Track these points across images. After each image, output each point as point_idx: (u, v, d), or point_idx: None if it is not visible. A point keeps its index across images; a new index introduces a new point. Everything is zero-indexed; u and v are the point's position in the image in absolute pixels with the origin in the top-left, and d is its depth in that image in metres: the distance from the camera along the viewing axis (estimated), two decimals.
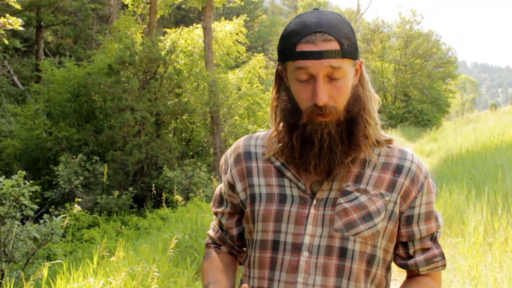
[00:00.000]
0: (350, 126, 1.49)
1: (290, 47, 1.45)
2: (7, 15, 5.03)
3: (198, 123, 18.08)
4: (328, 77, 1.43)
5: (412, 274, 1.67)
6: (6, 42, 6.02)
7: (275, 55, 44.86)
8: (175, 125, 17.15)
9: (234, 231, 1.75)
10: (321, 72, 1.42)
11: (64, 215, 8.88)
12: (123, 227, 11.47)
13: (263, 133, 1.73)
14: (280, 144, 1.57)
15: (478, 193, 5.87)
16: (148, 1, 18.37)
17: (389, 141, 1.61)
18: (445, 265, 1.68)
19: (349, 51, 1.45)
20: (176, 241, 4.20)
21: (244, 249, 1.78)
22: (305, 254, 1.50)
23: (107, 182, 13.69)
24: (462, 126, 21.82)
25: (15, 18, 5.22)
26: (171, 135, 16.52)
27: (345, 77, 1.45)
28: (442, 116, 37.67)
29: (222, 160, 1.78)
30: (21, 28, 5.36)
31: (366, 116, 1.52)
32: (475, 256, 4.38)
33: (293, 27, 1.46)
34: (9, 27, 5.26)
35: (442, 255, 1.65)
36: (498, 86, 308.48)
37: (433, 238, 1.64)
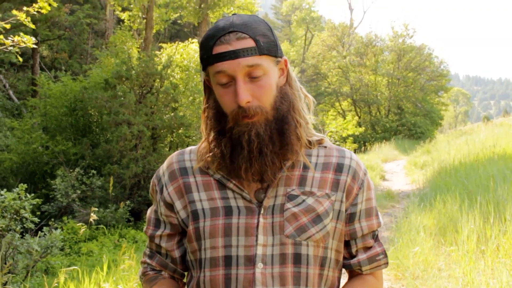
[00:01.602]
0: (281, 126, 1.45)
1: (207, 51, 1.42)
2: (21, 33, 5.17)
3: (194, 137, 18.22)
4: (248, 76, 1.41)
5: (354, 274, 1.65)
6: (20, 59, 6.16)
7: None
8: (171, 139, 17.28)
9: (176, 253, 1.64)
10: (239, 72, 1.39)
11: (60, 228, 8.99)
12: (121, 240, 11.56)
13: (194, 147, 1.66)
14: (211, 154, 1.51)
15: (470, 203, 6.03)
16: (144, 16, 18.57)
17: (320, 141, 1.59)
18: (387, 263, 1.65)
19: (267, 48, 1.42)
20: None
21: (186, 272, 1.68)
22: (259, 265, 1.44)
23: (103, 195, 13.81)
24: (455, 138, 22.02)
25: (29, 36, 5.37)
26: (167, 149, 16.65)
27: (267, 75, 1.42)
28: (435, 128, 37.83)
29: (154, 180, 1.67)
30: (34, 46, 5.50)
31: (296, 115, 1.48)
32: (469, 263, 4.53)
33: (209, 32, 1.45)
34: (23, 45, 5.40)
35: (384, 253, 1.63)
36: (490, 99, 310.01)
37: (375, 236, 1.62)
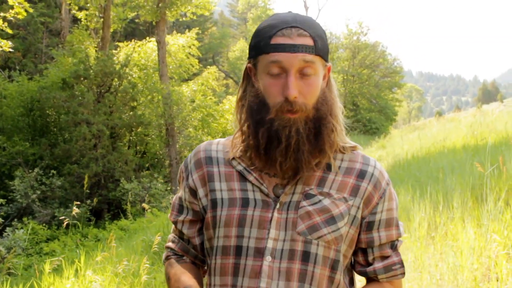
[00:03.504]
0: (319, 126, 1.47)
1: (265, 39, 1.44)
2: None
3: (153, 135, 18.30)
4: (300, 73, 1.43)
5: (371, 281, 1.63)
6: None
7: (226, 67, 45.23)
8: (130, 138, 17.32)
9: (197, 240, 1.68)
10: (294, 66, 1.41)
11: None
12: (82, 239, 11.59)
13: (224, 139, 1.70)
14: (244, 143, 1.54)
15: (421, 193, 6.41)
16: (101, 15, 18.50)
17: (354, 148, 1.60)
18: (404, 273, 1.63)
19: (322, 50, 1.46)
20: (160, 237, 4.53)
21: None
22: (268, 258, 1.47)
23: (63, 195, 13.79)
24: (409, 133, 22.63)
25: (5, 41, 5.46)
26: (127, 148, 16.68)
27: (316, 75, 1.45)
28: (390, 124, 38.54)
29: (182, 167, 1.71)
30: (11, 50, 5.59)
31: (333, 120, 1.51)
32: (420, 248, 4.88)
33: (269, 22, 1.47)
34: None
35: (401, 263, 1.61)
36: (442, 94, 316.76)
37: (394, 246, 1.60)
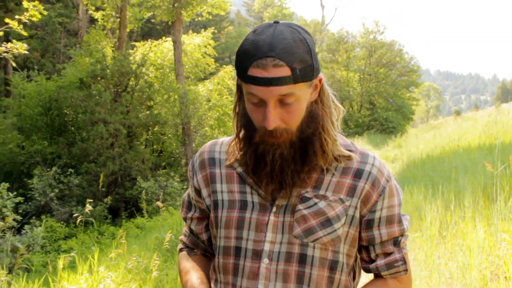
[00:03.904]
0: (305, 146, 1.48)
1: (243, 69, 1.41)
2: (14, 40, 5.39)
3: (169, 134, 18.41)
4: (280, 102, 1.41)
5: (377, 277, 1.64)
6: (14, 64, 6.38)
7: None
8: (147, 137, 17.46)
9: (204, 236, 1.74)
10: (271, 99, 1.39)
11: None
12: (100, 237, 11.73)
13: (228, 138, 1.71)
14: (241, 153, 1.56)
15: (434, 192, 6.43)
16: (118, 15, 18.66)
17: (348, 157, 1.56)
18: (406, 270, 1.62)
19: (302, 75, 1.39)
20: (171, 235, 4.62)
21: None
22: (265, 261, 1.50)
23: (81, 193, 13.95)
24: (425, 132, 22.54)
25: (20, 43, 5.59)
26: (143, 147, 16.81)
27: (298, 101, 1.42)
28: (407, 123, 38.32)
29: (190, 165, 1.76)
30: (26, 52, 5.72)
31: (324, 134, 1.50)
32: (430, 247, 4.91)
33: (247, 46, 1.41)
34: (15, 51, 5.63)
35: (403, 260, 1.60)
36: (461, 93, 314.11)
37: (397, 242, 1.59)
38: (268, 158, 1.46)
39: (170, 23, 18.88)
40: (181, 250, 1.84)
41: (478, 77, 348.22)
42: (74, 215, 5.98)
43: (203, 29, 24.94)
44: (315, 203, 1.51)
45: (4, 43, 5.95)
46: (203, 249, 1.78)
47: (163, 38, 21.53)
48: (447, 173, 7.63)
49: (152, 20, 25.29)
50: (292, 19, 48.52)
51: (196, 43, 21.76)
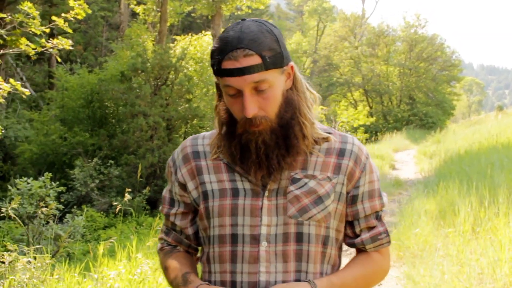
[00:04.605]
0: (285, 131, 1.56)
1: (217, 64, 1.51)
2: (60, 36, 5.64)
3: (207, 128, 18.57)
4: (255, 89, 1.49)
5: (361, 251, 1.73)
6: (59, 59, 6.62)
7: None
8: (186, 130, 17.64)
9: (190, 231, 1.76)
10: (246, 87, 1.48)
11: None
12: (138, 227, 11.95)
13: (208, 133, 1.77)
14: (223, 149, 1.63)
15: (468, 188, 6.42)
16: (158, 9, 18.91)
17: (327, 139, 1.66)
18: (389, 241, 1.73)
19: (273, 62, 1.49)
20: None
21: (200, 248, 1.80)
22: (264, 244, 1.55)
23: (121, 184, 14.21)
24: (465, 128, 22.27)
25: (66, 39, 5.81)
26: (182, 139, 16.98)
27: (273, 87, 1.51)
28: (447, 118, 37.80)
29: (169, 162, 1.78)
30: (71, 48, 5.94)
31: (301, 118, 1.58)
32: (463, 243, 4.93)
33: (218, 44, 1.52)
34: (61, 47, 5.86)
35: (386, 232, 1.71)
36: (505, 88, 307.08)
37: (378, 216, 1.70)
38: (252, 146, 1.54)
39: (210, 17, 19.10)
40: (162, 248, 1.83)
41: None
42: (114, 204, 6.16)
43: None
44: (306, 183, 1.59)
45: (50, 38, 6.18)
46: (186, 245, 1.79)
47: (203, 32, 21.69)
48: (483, 169, 7.59)
49: (192, 14, 25.51)
50: (332, 12, 48.19)
51: None
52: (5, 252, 4.63)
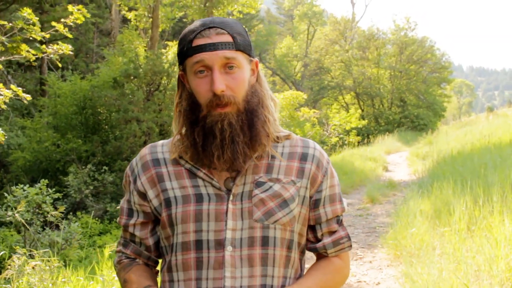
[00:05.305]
0: (251, 118, 1.55)
1: (187, 44, 1.53)
2: (59, 42, 5.68)
3: None
4: (224, 68, 1.51)
5: (321, 257, 1.73)
6: (60, 65, 6.65)
7: (273, 64, 45.39)
8: None
9: (150, 241, 1.71)
10: (216, 63, 1.50)
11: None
12: None
13: (166, 140, 1.74)
14: (184, 145, 1.60)
15: (463, 188, 6.51)
16: (150, 15, 18.96)
17: (288, 136, 1.68)
18: (351, 246, 1.73)
19: (242, 45, 1.54)
20: None
21: (160, 260, 1.76)
22: (229, 248, 1.53)
23: (115, 190, 14.23)
24: (456, 129, 22.42)
25: (66, 44, 5.86)
26: None
27: (241, 68, 1.54)
28: (438, 120, 38.00)
29: (127, 171, 1.75)
30: (71, 53, 5.97)
31: (264, 111, 1.59)
32: (458, 241, 5.00)
33: (189, 28, 1.57)
34: (61, 52, 5.90)
35: (348, 237, 1.71)
36: (494, 89, 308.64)
37: (339, 221, 1.71)
38: (217, 128, 1.51)
39: None
40: (119, 262, 1.76)
41: None
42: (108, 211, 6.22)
43: None
44: (270, 187, 1.58)
45: (50, 44, 6.23)
46: (146, 258, 1.74)
47: None
48: (476, 169, 7.68)
49: (184, 20, 25.57)
50: (322, 16, 48.32)
51: None
52: (14, 255, 4.68)
